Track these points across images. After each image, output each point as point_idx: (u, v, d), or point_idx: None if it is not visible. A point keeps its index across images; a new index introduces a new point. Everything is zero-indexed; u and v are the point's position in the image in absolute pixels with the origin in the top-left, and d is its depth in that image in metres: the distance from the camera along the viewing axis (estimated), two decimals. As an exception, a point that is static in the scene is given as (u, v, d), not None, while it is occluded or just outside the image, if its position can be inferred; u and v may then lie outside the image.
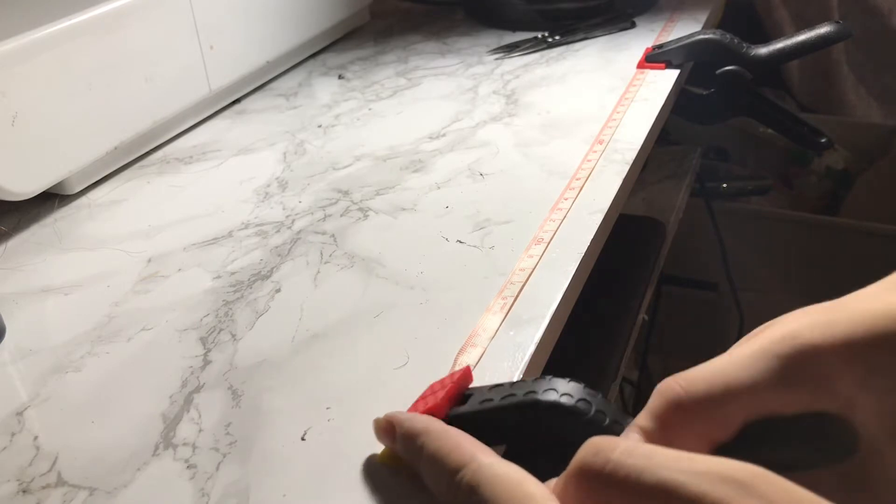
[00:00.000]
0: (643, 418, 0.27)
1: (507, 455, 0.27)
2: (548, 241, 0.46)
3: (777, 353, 0.25)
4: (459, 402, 0.32)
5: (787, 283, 1.14)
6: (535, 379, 0.30)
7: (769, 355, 0.26)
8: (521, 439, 0.30)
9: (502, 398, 0.30)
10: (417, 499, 0.30)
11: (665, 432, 0.26)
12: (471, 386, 0.33)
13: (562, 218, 0.48)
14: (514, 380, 0.32)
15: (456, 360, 0.37)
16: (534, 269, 0.44)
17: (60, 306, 0.45)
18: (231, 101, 0.71)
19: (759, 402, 0.25)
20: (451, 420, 0.31)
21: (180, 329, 0.42)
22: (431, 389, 0.33)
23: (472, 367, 0.36)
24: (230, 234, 0.50)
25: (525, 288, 0.42)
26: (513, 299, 0.41)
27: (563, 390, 0.29)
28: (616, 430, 0.27)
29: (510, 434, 0.30)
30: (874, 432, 0.25)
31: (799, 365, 0.25)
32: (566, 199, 0.50)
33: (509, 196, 0.52)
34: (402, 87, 0.73)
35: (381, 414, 0.32)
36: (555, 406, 0.28)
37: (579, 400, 0.28)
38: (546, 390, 0.29)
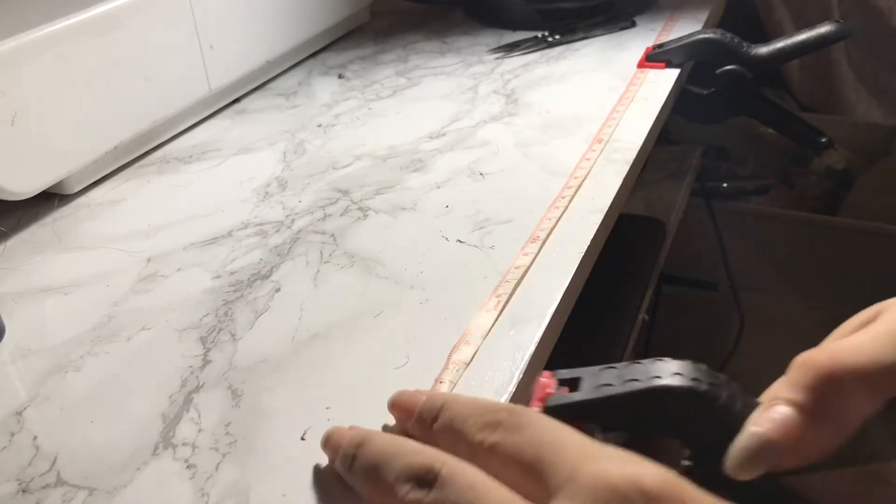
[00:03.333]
0: (790, 391, 0.26)
1: (628, 444, 0.25)
2: (543, 239, 0.46)
3: None
4: (569, 386, 0.30)
5: (787, 283, 1.14)
6: (652, 360, 0.28)
7: None
8: (639, 426, 0.28)
9: (623, 382, 0.28)
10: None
11: (820, 404, 0.25)
12: (570, 369, 0.31)
13: (558, 216, 0.48)
14: (618, 363, 0.30)
15: (450, 358, 0.37)
16: (529, 268, 0.44)
17: (60, 306, 0.45)
18: (231, 100, 0.71)
19: None
20: (564, 408, 0.29)
21: (180, 329, 0.42)
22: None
23: (466, 364, 0.37)
24: (230, 234, 0.50)
25: (522, 286, 0.42)
26: (507, 297, 0.41)
27: (689, 374, 0.27)
28: (747, 413, 0.26)
29: (627, 421, 0.28)
30: None
31: None
32: (563, 198, 0.50)
33: (509, 196, 0.52)
34: (401, 86, 0.72)
35: (380, 414, 0.32)
36: (689, 391, 0.27)
37: (709, 383, 0.27)
38: (672, 374, 0.27)
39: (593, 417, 0.27)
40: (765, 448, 0.25)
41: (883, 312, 0.27)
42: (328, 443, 0.31)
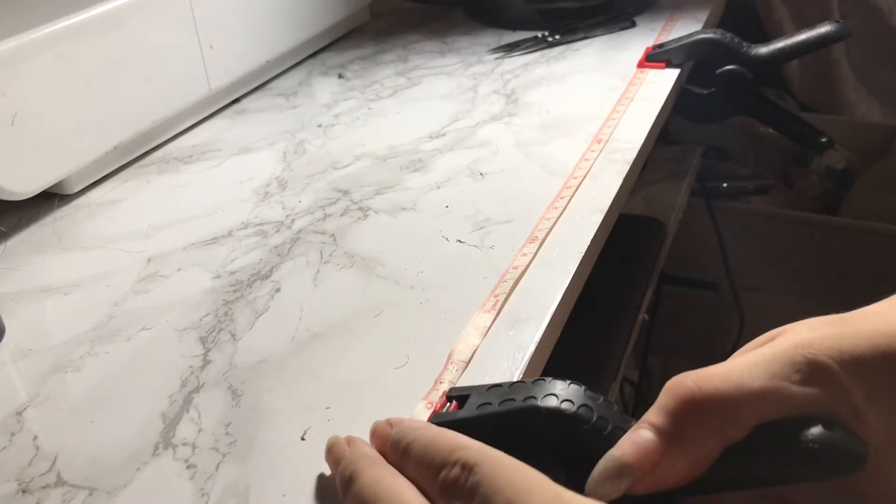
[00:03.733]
0: (655, 415, 0.26)
1: None
2: (542, 239, 0.46)
3: (789, 360, 0.26)
4: (459, 402, 0.32)
5: (787, 283, 1.14)
6: (535, 381, 0.29)
7: (781, 361, 0.26)
8: (518, 445, 0.29)
9: (501, 402, 0.29)
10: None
11: (679, 429, 0.26)
12: (467, 385, 0.33)
13: (557, 216, 0.48)
14: (513, 380, 0.32)
15: (449, 358, 0.37)
16: (527, 268, 0.44)
17: (60, 306, 0.45)
18: (231, 100, 0.71)
19: (769, 404, 0.26)
20: (447, 425, 0.30)
21: (180, 329, 0.42)
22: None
23: (465, 364, 0.37)
24: (230, 234, 0.50)
25: (522, 287, 0.42)
26: (505, 297, 0.41)
27: (563, 395, 0.28)
28: (618, 435, 0.27)
29: (506, 439, 0.29)
30: (878, 447, 0.25)
31: (811, 373, 0.25)
32: (562, 198, 0.50)
33: (509, 196, 0.52)
34: (401, 86, 0.72)
35: (380, 414, 0.32)
36: (556, 413, 0.28)
37: (581, 406, 0.28)
38: (546, 395, 0.28)
39: (475, 435, 0.28)
40: (621, 471, 0.26)
41: (777, 336, 0.28)
42: (328, 455, 0.31)
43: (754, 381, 0.26)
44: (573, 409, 0.27)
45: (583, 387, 0.28)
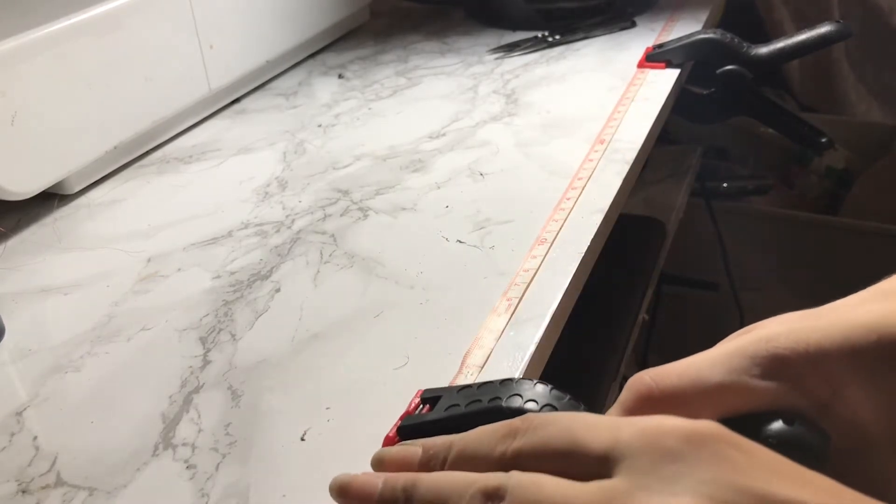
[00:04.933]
0: (614, 411, 0.27)
1: None
2: (551, 241, 0.46)
3: (750, 354, 0.26)
4: (430, 404, 0.32)
5: (787, 283, 1.14)
6: (503, 381, 0.29)
7: (742, 355, 0.26)
8: None
9: (468, 404, 0.29)
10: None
11: None
12: (439, 386, 0.33)
13: (564, 218, 0.48)
14: (482, 381, 0.31)
15: (463, 362, 0.37)
16: (537, 270, 0.44)
17: (60, 306, 0.45)
18: (231, 100, 0.71)
19: (728, 399, 0.26)
20: (417, 427, 0.31)
21: (180, 329, 0.42)
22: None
23: (480, 368, 0.36)
24: (230, 234, 0.50)
25: (528, 288, 0.42)
26: (518, 300, 0.41)
27: (528, 395, 0.28)
28: None
29: None
30: (849, 440, 0.25)
31: (771, 367, 0.25)
32: (568, 199, 0.50)
33: (509, 196, 0.52)
34: (401, 86, 0.72)
35: (380, 414, 0.32)
36: (520, 412, 0.27)
37: (545, 405, 0.28)
38: (511, 396, 0.28)
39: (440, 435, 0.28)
40: None
41: (739, 335, 0.27)
42: (349, 493, 0.28)
43: (713, 376, 0.26)
44: (536, 408, 0.28)
45: (549, 386, 0.29)
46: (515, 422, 0.26)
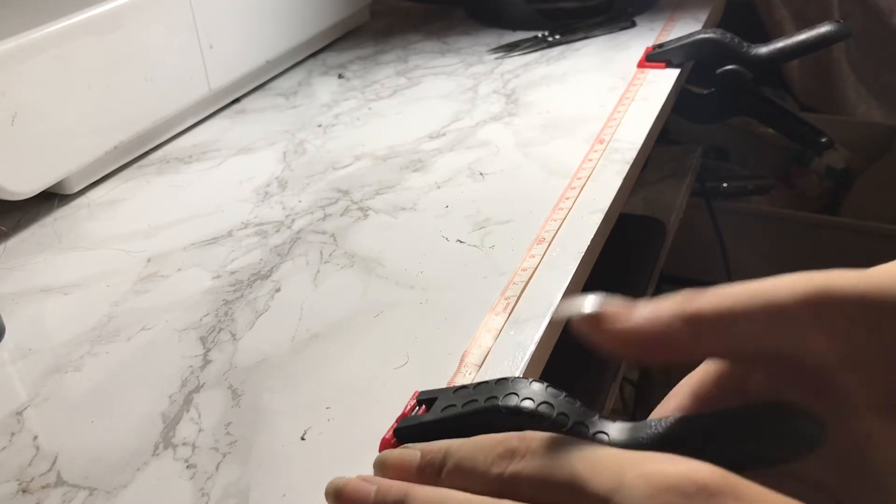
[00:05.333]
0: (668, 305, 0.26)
1: None
2: (549, 240, 0.46)
3: (799, 289, 0.25)
4: (427, 405, 0.32)
5: (787, 282, 1.14)
6: (498, 381, 0.29)
7: (789, 287, 0.25)
8: None
9: (464, 404, 0.29)
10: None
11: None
12: (436, 388, 0.33)
13: (563, 218, 0.48)
14: (478, 381, 0.32)
15: (462, 361, 0.37)
16: (536, 269, 0.44)
17: (60, 306, 0.45)
18: (231, 100, 0.71)
19: (765, 330, 0.25)
20: (413, 428, 0.31)
21: (180, 329, 0.42)
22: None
23: (478, 367, 0.36)
24: (230, 234, 0.50)
25: (527, 288, 0.42)
26: (515, 299, 0.41)
27: (524, 394, 0.28)
28: (580, 431, 0.26)
29: None
30: (860, 406, 0.25)
31: (813, 300, 0.25)
32: (567, 199, 0.50)
33: (509, 196, 0.52)
34: (401, 86, 0.72)
35: (380, 414, 0.32)
36: (516, 411, 0.28)
37: (541, 403, 0.28)
38: (507, 394, 0.28)
39: (440, 438, 0.28)
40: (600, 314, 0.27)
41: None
42: (340, 498, 0.28)
43: (754, 302, 0.25)
44: (533, 406, 0.28)
45: (545, 384, 0.29)
46: (513, 440, 0.26)
